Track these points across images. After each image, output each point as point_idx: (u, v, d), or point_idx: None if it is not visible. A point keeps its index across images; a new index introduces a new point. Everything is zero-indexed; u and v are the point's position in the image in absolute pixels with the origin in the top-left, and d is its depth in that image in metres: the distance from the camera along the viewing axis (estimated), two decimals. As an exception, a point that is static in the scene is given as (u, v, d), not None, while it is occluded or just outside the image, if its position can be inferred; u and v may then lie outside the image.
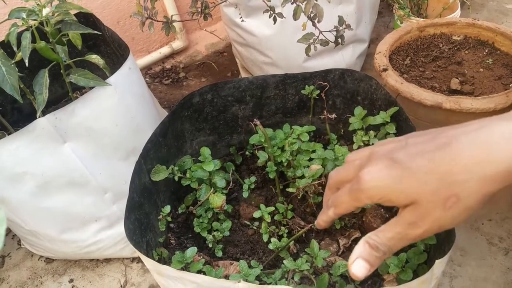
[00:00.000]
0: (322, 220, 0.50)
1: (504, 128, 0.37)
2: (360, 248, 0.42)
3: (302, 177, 0.86)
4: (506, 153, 0.36)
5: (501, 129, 0.37)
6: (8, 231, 1.16)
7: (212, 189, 0.85)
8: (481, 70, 1.14)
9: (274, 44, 1.28)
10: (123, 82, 0.87)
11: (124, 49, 0.96)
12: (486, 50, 1.19)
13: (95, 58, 0.85)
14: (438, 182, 0.38)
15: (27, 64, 0.74)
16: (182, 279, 0.63)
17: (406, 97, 1.01)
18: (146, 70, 1.69)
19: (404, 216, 0.40)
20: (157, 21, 0.93)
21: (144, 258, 0.65)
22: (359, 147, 0.92)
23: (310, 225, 0.80)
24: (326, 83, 0.95)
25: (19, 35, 0.76)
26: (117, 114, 0.88)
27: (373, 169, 0.41)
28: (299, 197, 0.88)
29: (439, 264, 0.57)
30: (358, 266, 0.42)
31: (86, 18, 1.02)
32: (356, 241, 0.86)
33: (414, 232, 0.40)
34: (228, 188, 0.91)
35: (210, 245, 0.85)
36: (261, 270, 0.76)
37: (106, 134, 0.88)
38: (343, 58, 1.36)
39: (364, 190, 0.41)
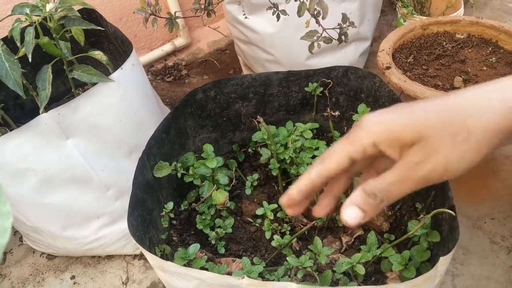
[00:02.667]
0: (298, 187, 0.42)
1: None
2: (356, 195, 0.39)
3: (305, 174, 0.86)
4: None
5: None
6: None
7: (215, 186, 0.85)
8: (485, 68, 1.14)
9: (277, 42, 1.28)
10: (126, 78, 0.87)
11: (127, 45, 0.96)
12: (490, 49, 1.18)
13: (98, 54, 0.85)
14: (450, 116, 0.36)
15: (30, 60, 0.74)
16: (185, 275, 0.63)
17: (409, 95, 1.01)
18: (148, 67, 1.68)
19: (407, 156, 0.37)
20: (161, 17, 0.93)
21: (147, 254, 0.65)
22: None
23: (313, 222, 0.80)
24: (329, 81, 0.95)
25: (23, 31, 0.76)
26: (120, 111, 0.88)
27: (376, 112, 0.39)
28: (302, 195, 0.88)
29: (444, 261, 0.57)
30: (351, 213, 0.39)
31: (89, 14, 1.02)
32: (358, 238, 0.86)
33: (418, 172, 0.37)
34: (231, 185, 0.91)
35: (212, 242, 0.85)
36: (263, 267, 0.76)
37: (109, 130, 0.88)
38: (346, 56, 1.36)
39: (363, 126, 0.38)
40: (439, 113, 0.36)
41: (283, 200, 0.43)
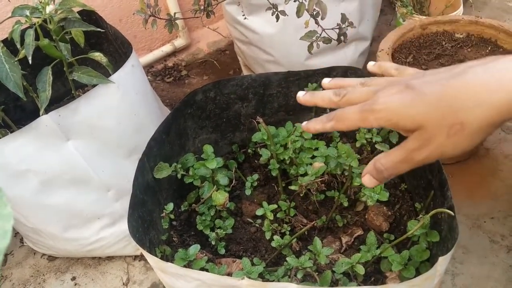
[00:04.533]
0: (315, 127, 0.50)
1: None
2: (370, 167, 0.46)
3: (305, 174, 0.86)
4: None
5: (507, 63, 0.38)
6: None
7: (215, 186, 0.85)
8: (484, 68, 1.14)
9: (276, 42, 1.28)
10: (126, 79, 0.87)
11: (127, 47, 0.96)
12: (489, 48, 1.19)
13: (98, 56, 0.85)
14: (446, 108, 0.39)
15: (30, 62, 0.75)
16: (185, 276, 0.63)
17: (409, 95, 1.01)
18: (148, 68, 1.69)
19: (408, 142, 0.42)
20: (160, 18, 0.94)
21: (147, 255, 0.65)
22: (362, 145, 0.92)
23: (313, 222, 0.80)
24: (328, 81, 0.95)
25: (23, 33, 0.76)
26: (120, 112, 0.88)
27: (388, 92, 0.43)
28: (301, 195, 0.88)
29: (443, 261, 0.57)
30: (368, 179, 0.47)
31: (89, 16, 1.02)
32: (358, 238, 0.86)
33: (416, 157, 0.42)
34: (231, 185, 0.91)
35: (213, 243, 0.86)
36: (264, 267, 0.76)
37: (109, 131, 0.88)
38: (346, 56, 1.36)
39: (375, 111, 0.43)
40: (437, 104, 0.40)
41: (304, 126, 0.52)
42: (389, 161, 0.44)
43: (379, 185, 0.48)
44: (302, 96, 0.54)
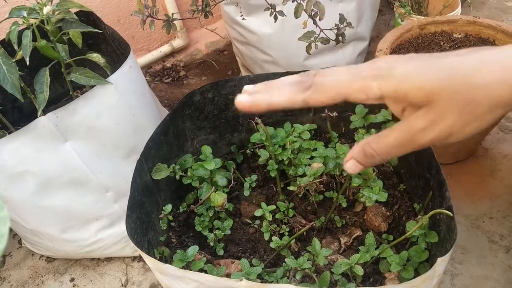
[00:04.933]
0: (276, 99, 0.40)
1: None
2: (357, 152, 0.41)
3: (303, 175, 0.86)
4: None
5: None
6: (9, 230, 1.16)
7: (213, 187, 0.85)
8: (482, 68, 1.14)
9: (275, 43, 1.28)
10: (124, 80, 0.87)
11: (125, 47, 0.96)
12: (487, 48, 1.19)
13: (95, 57, 0.85)
14: (461, 82, 0.35)
15: (27, 63, 0.74)
16: (184, 278, 0.63)
17: (407, 95, 1.01)
18: (146, 69, 1.68)
19: (413, 120, 0.37)
20: (158, 19, 0.93)
21: (145, 257, 0.65)
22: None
23: (312, 223, 0.80)
24: (327, 81, 0.95)
25: (20, 34, 0.76)
26: (118, 113, 0.88)
27: (394, 59, 0.37)
28: (300, 196, 0.88)
29: (442, 262, 0.57)
30: (352, 164, 0.41)
31: (86, 17, 1.02)
32: (357, 239, 0.86)
33: (420, 139, 0.37)
34: (229, 186, 0.91)
35: (211, 244, 0.85)
36: (262, 268, 0.76)
37: (107, 132, 0.88)
38: (344, 57, 1.36)
39: (384, 76, 0.36)
40: (452, 77, 0.35)
41: (237, 100, 0.42)
42: (384, 145, 0.39)
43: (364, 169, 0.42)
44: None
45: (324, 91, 0.38)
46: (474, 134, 0.37)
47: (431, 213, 0.68)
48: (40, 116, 0.79)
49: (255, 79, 0.95)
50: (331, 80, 0.38)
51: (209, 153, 0.88)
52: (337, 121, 1.00)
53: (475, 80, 0.35)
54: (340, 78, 0.38)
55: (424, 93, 0.35)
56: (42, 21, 0.78)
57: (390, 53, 1.15)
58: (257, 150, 0.95)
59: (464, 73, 0.35)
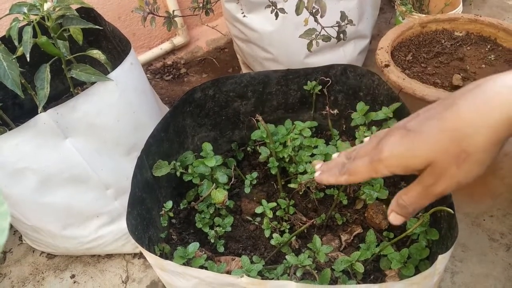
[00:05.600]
0: (328, 180, 0.52)
1: (507, 79, 0.38)
2: (393, 204, 0.48)
3: (304, 172, 0.86)
4: (509, 100, 0.37)
5: (504, 80, 0.39)
6: (10, 226, 1.16)
7: (214, 184, 0.85)
8: (483, 66, 1.14)
9: (276, 40, 1.28)
10: (124, 77, 0.87)
11: (126, 44, 0.96)
12: (488, 46, 1.18)
13: (96, 53, 0.85)
14: (448, 140, 0.40)
15: (28, 59, 0.74)
16: (184, 274, 0.63)
17: (408, 93, 1.01)
18: (147, 66, 1.68)
19: (422, 179, 0.43)
20: (159, 16, 0.93)
21: (146, 253, 0.65)
22: (361, 142, 0.92)
23: (312, 220, 0.80)
24: (328, 79, 0.95)
25: (20, 30, 0.76)
26: (118, 110, 0.88)
27: (390, 140, 0.44)
28: (300, 193, 0.88)
29: (442, 259, 0.57)
30: (393, 217, 0.48)
31: (87, 13, 1.02)
32: (357, 236, 0.86)
33: (434, 191, 0.43)
34: (230, 183, 0.91)
35: (212, 241, 0.85)
36: (263, 265, 0.76)
37: (108, 129, 0.87)
38: (345, 54, 1.36)
39: (383, 159, 0.44)
40: (440, 139, 0.41)
41: (316, 177, 0.55)
42: (410, 197, 0.46)
43: (406, 220, 0.50)
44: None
45: (355, 175, 0.49)
46: (482, 173, 0.41)
47: (432, 210, 0.68)
48: (40, 112, 0.79)
49: (256, 76, 0.95)
50: (356, 166, 0.49)
51: (210, 150, 0.88)
52: (338, 118, 1.00)
53: (460, 135, 0.40)
54: (360, 164, 0.48)
55: (420, 160, 0.42)
56: (42, 18, 0.78)
57: (392, 51, 1.15)
58: (257, 147, 0.94)
59: (447, 132, 0.40)
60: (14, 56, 0.77)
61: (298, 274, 0.73)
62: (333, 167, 0.53)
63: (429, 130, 0.41)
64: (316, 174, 0.54)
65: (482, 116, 0.38)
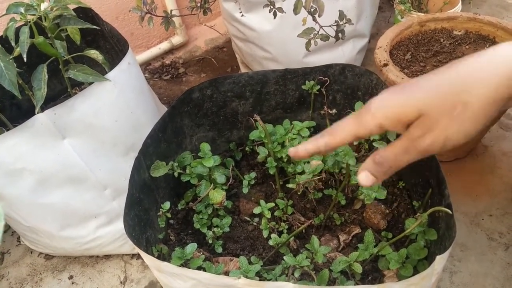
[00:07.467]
0: (306, 148, 0.47)
1: (509, 45, 0.39)
2: (367, 162, 0.45)
3: (302, 172, 0.86)
4: None
5: (505, 45, 0.39)
6: (7, 227, 1.16)
7: (212, 185, 0.85)
8: (482, 65, 1.13)
9: (274, 39, 1.28)
10: (122, 77, 0.87)
11: (123, 44, 0.96)
12: (487, 45, 1.18)
13: (94, 53, 0.85)
14: (447, 90, 0.39)
15: (25, 60, 0.74)
16: (181, 276, 0.63)
17: (407, 92, 1.00)
18: (145, 66, 1.68)
19: (411, 130, 0.41)
20: (157, 16, 0.93)
21: (143, 255, 0.65)
22: (360, 143, 0.91)
23: (310, 221, 0.80)
24: (326, 78, 0.95)
25: (17, 30, 0.76)
26: (116, 110, 0.87)
27: (380, 94, 0.42)
28: (299, 193, 0.88)
29: (440, 260, 0.57)
30: (364, 176, 0.45)
31: (85, 13, 1.02)
32: (356, 237, 0.86)
33: (420, 145, 0.41)
34: (228, 184, 0.90)
35: (210, 241, 0.85)
36: (261, 266, 0.76)
37: (106, 129, 0.87)
38: (343, 54, 1.35)
39: (371, 109, 0.42)
40: (437, 89, 0.39)
41: (291, 151, 0.49)
42: (390, 153, 0.43)
43: (376, 184, 0.46)
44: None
45: (337, 133, 0.45)
46: (471, 136, 0.40)
47: (430, 210, 0.68)
48: (38, 113, 0.79)
49: (254, 76, 0.95)
50: (340, 125, 0.45)
51: (208, 150, 0.87)
52: (336, 118, 1.00)
53: (461, 84, 0.39)
54: (345, 121, 0.45)
55: (413, 109, 0.40)
56: (39, 18, 0.78)
57: (390, 50, 1.14)
58: (256, 147, 0.94)
59: (448, 82, 0.39)
60: (11, 57, 0.77)
61: (296, 274, 0.73)
62: (311, 139, 0.48)
63: (426, 82, 0.40)
64: (290, 149, 0.49)
65: (487, 71, 0.38)
